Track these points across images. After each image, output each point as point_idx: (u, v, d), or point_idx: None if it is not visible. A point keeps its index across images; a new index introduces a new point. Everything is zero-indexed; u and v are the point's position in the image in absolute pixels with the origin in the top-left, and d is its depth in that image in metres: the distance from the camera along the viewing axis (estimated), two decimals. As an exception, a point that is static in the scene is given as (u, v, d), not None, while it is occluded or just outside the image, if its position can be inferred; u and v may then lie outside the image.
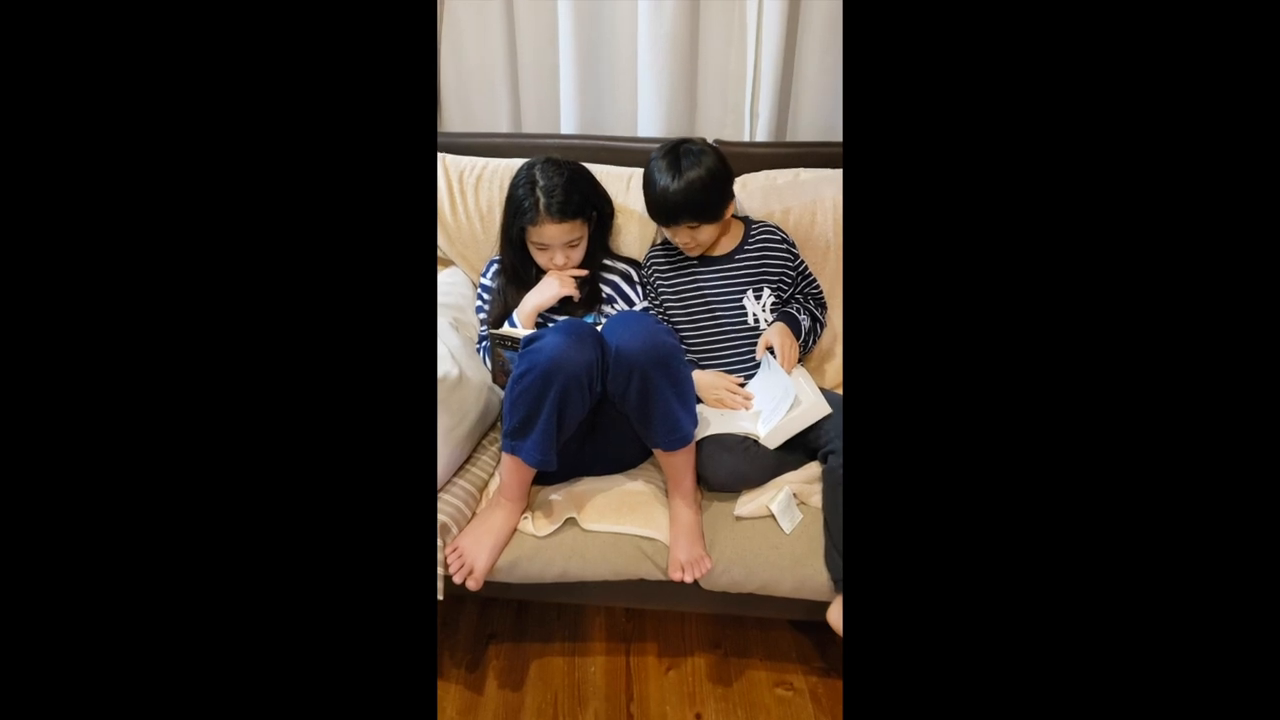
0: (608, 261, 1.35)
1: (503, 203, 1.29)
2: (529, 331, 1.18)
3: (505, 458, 1.06)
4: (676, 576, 1.05)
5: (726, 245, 1.31)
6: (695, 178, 1.19)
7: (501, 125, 1.61)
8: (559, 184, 1.21)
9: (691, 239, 1.25)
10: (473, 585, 1.03)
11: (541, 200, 1.20)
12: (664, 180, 1.20)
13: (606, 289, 1.33)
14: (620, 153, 1.42)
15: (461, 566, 1.03)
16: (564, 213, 1.21)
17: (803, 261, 1.34)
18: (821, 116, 1.55)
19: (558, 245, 1.24)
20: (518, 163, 1.31)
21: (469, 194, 1.40)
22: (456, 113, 1.61)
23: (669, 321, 1.31)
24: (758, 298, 1.29)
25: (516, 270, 1.30)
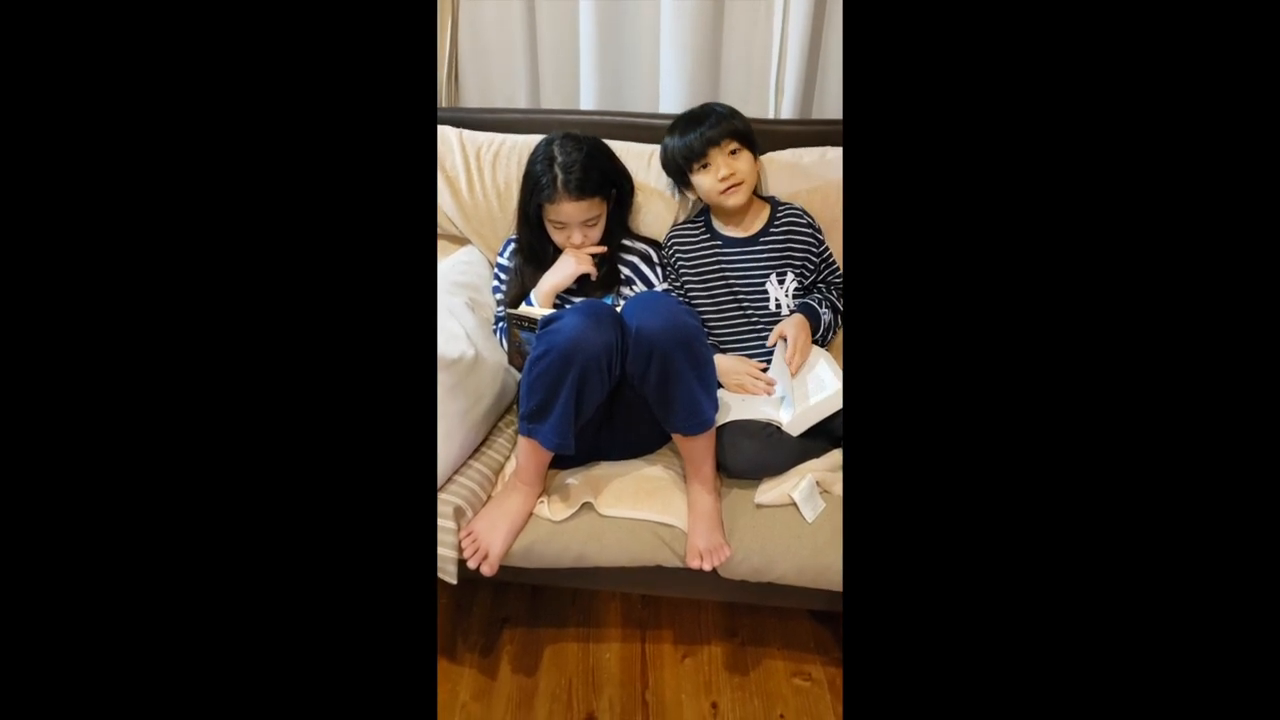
0: (627, 242, 1.32)
1: (520, 180, 1.27)
2: (547, 312, 1.16)
3: (522, 441, 1.04)
4: (694, 564, 1.03)
5: (751, 226, 1.27)
6: (724, 119, 1.19)
7: (520, 101, 1.58)
8: (577, 160, 1.18)
9: (731, 169, 1.18)
10: (487, 570, 1.02)
11: (559, 177, 1.17)
12: (682, 132, 1.20)
13: (625, 270, 1.30)
14: (641, 129, 1.38)
15: (476, 551, 1.02)
16: (582, 190, 1.18)
17: (827, 248, 1.30)
18: (849, 93, 1.50)
19: (575, 223, 1.21)
20: (536, 139, 1.28)
21: (486, 171, 1.37)
22: (474, 88, 1.57)
23: (690, 303, 1.28)
24: (781, 282, 1.26)
25: (534, 249, 1.27)
